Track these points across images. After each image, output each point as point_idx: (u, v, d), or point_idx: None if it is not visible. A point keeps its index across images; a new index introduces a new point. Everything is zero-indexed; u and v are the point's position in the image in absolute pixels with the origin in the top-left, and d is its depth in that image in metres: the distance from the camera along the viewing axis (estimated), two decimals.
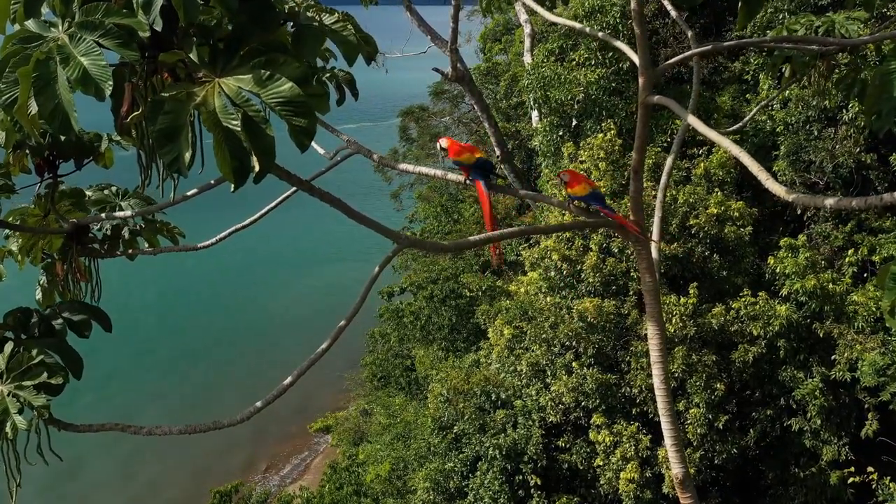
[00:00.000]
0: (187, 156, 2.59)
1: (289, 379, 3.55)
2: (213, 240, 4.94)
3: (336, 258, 41.36)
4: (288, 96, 2.59)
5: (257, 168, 2.65)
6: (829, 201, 3.22)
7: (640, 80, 4.82)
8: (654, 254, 5.45)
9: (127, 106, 2.87)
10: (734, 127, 9.77)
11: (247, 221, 5.10)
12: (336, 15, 3.37)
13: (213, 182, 3.44)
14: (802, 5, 14.73)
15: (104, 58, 2.61)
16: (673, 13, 7.13)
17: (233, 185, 2.68)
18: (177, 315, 37.17)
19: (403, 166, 5.60)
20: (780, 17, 14.49)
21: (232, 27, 2.73)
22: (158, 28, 2.67)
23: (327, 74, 5.90)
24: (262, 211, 5.19)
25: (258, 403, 3.55)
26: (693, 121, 4.06)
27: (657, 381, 5.52)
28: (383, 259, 3.83)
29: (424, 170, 5.42)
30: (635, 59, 5.01)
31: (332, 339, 3.62)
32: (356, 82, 5.94)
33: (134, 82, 2.88)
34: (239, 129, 2.56)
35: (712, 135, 3.97)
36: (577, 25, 6.23)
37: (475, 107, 21.09)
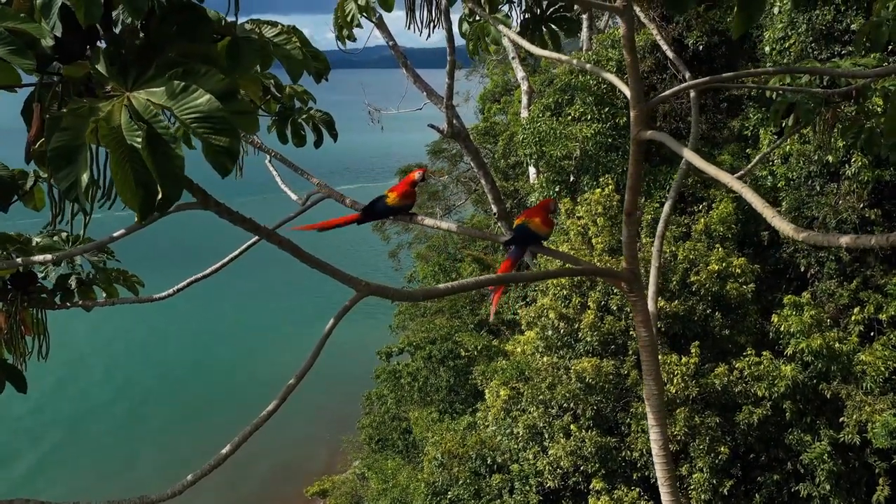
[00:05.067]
0: (85, 178, 2.19)
1: (227, 448, 3.10)
2: (171, 290, 4.55)
3: (320, 319, 40.53)
4: (205, 111, 2.19)
5: (160, 195, 2.25)
6: (845, 239, 2.84)
7: (632, 114, 4.47)
8: (651, 306, 5.04)
9: (35, 129, 2.49)
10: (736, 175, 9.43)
11: (207, 271, 4.72)
12: (279, 27, 3.02)
13: (143, 223, 3.03)
14: (798, 59, 14.54)
15: None
16: (669, 54, 6.84)
17: (137, 216, 2.28)
18: (154, 373, 36.56)
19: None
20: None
21: (150, 35, 2.36)
22: (58, 33, 2.33)
23: (304, 115, 5.60)
24: (224, 260, 4.81)
25: (189, 477, 3.08)
26: (690, 155, 3.71)
27: (655, 447, 5.07)
28: (340, 310, 3.41)
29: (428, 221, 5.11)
30: (626, 91, 4.67)
31: (279, 401, 3.18)
32: (335, 124, 5.64)
33: (44, 103, 2.51)
34: (141, 146, 2.17)
35: (711, 170, 3.61)
36: (564, 58, 5.92)
37: (472, 164, 20.88)
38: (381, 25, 18.19)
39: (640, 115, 4.44)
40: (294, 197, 5.27)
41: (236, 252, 4.85)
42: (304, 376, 3.22)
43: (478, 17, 6.34)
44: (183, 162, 2.26)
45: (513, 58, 22.25)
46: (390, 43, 18.35)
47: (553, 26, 6.38)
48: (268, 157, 5.65)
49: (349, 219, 4.90)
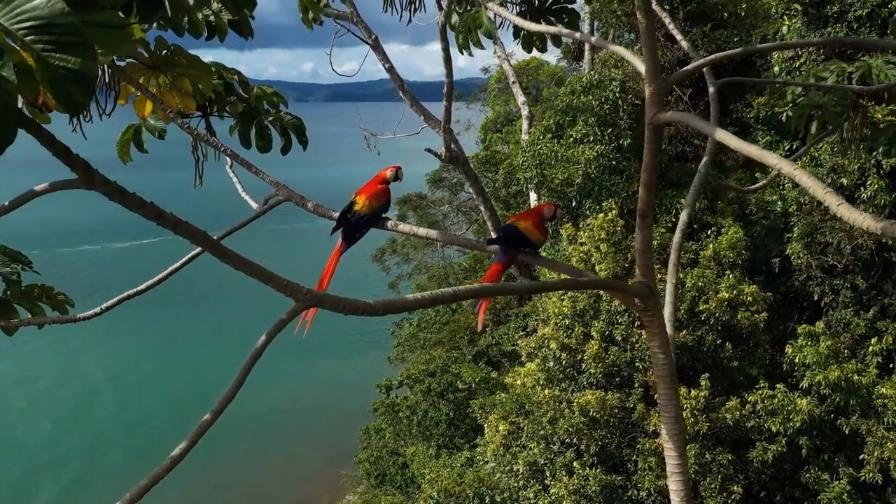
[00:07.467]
0: None
1: (127, 497, 2.37)
2: (98, 309, 3.88)
3: (326, 350, 39.45)
4: (44, 16, 1.44)
5: None
6: None
7: (647, 93, 3.81)
8: (669, 329, 4.34)
9: None
10: (757, 185, 8.79)
11: (142, 287, 4.04)
12: None
13: (7, 204, 2.35)
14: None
15: None
16: (679, 37, 6.21)
17: None
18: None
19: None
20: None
21: None
22: None
23: (271, 118, 4.97)
24: (161, 275, 4.13)
25: None
26: (723, 135, 3.07)
27: (676, 498, 4.30)
28: (276, 322, 2.70)
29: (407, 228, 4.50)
30: (640, 67, 4.01)
31: (192, 438, 2.48)
32: (305, 129, 5.01)
33: None
34: None
35: (753, 150, 2.97)
36: (565, 31, 5.26)
37: (470, 189, 20.31)
38: (376, 47, 17.71)
39: (657, 93, 3.78)
40: (254, 205, 4.64)
41: (174, 266, 4.18)
42: (223, 411, 2.50)
43: (468, 7, 5.75)
44: (14, 87, 1.51)
45: (513, 82, 21.73)
46: (387, 65, 17.82)
47: (552, 19, 5.78)
48: (228, 161, 5.00)
49: (337, 253, 4.25)
